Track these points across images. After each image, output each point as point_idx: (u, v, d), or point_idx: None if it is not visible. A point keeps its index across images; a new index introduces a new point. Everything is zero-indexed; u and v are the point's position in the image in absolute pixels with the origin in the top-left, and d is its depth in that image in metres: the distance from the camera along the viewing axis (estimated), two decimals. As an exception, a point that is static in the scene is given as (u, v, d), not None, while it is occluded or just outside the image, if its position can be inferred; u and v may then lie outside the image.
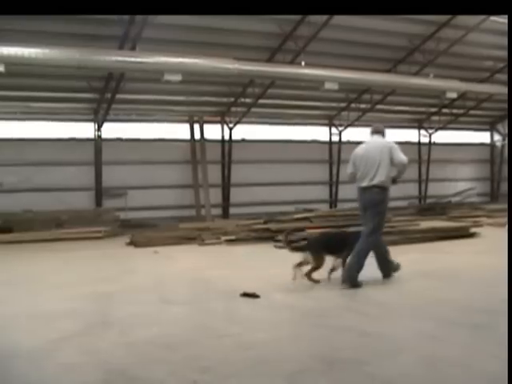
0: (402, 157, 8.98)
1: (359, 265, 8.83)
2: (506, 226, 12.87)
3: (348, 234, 9.72)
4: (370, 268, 9.10)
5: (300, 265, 9.01)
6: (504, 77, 23.33)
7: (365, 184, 9.06)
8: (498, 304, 7.57)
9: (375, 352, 5.64)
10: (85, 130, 20.31)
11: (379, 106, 23.63)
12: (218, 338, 6.21)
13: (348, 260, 8.95)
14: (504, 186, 28.21)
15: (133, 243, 14.75)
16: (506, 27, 19.48)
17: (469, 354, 5.51)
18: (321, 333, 6.37)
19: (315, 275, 8.98)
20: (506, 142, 29.19)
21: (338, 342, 5.99)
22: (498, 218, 19.34)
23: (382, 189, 8.98)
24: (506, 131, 29.16)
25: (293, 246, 9.78)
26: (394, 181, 9.16)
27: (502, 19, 18.90)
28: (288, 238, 10.19)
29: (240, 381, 4.99)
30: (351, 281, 8.73)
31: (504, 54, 21.89)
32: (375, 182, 8.93)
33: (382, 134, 9.46)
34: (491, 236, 15.44)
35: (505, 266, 10.47)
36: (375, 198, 8.99)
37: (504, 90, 22.52)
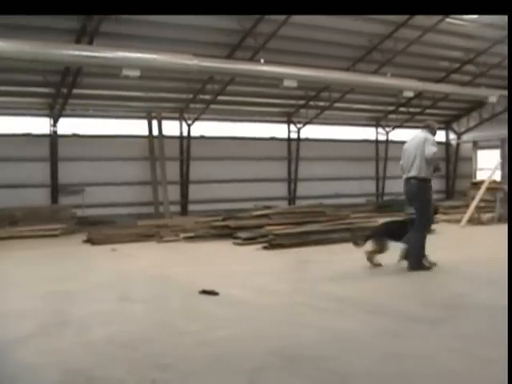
0: (428, 149, 9.45)
1: (416, 252, 9.58)
2: (506, 225, 13.11)
3: (408, 221, 10.15)
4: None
5: (373, 252, 9.94)
6: (459, 77, 23.73)
7: (405, 176, 9.83)
8: (457, 298, 7.70)
9: (335, 348, 5.65)
10: (40, 125, 19.90)
11: (338, 104, 23.78)
12: (178, 335, 6.16)
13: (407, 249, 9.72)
14: (459, 184, 28.61)
15: (90, 241, 14.56)
16: (461, 28, 19.90)
17: (429, 349, 5.55)
18: (281, 329, 6.36)
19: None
20: (461, 140, 29.68)
21: (299, 338, 5.99)
22: (454, 214, 19.64)
23: (418, 180, 9.56)
24: (461, 130, 29.63)
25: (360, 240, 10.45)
26: (435, 171, 9.75)
27: (458, 21, 19.19)
28: (356, 234, 10.92)
29: (200, 378, 4.95)
30: (413, 266, 9.53)
31: (458, 54, 22.32)
32: (412, 174, 9.61)
33: (429, 129, 10.01)
34: (447, 232, 15.69)
35: (461, 261, 10.71)
36: (413, 190, 9.66)
37: (459, 89, 22.91)
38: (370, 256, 9.93)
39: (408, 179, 9.72)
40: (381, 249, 9.93)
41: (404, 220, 10.32)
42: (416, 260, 9.59)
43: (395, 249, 9.88)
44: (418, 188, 9.61)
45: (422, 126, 10.32)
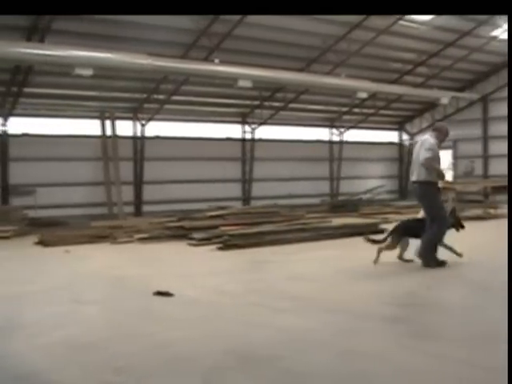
0: (421, 154, 9.57)
1: (428, 250, 9.67)
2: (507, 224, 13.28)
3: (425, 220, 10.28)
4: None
5: (385, 248, 10.12)
6: (412, 78, 24.10)
7: (410, 179, 10.06)
8: (413, 297, 7.78)
9: (291, 347, 5.64)
10: (-11, 124, 19.53)
11: (292, 105, 23.92)
12: (133, 337, 6.08)
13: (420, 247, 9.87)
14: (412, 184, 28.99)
15: (42, 243, 14.28)
16: (414, 31, 20.25)
17: (384, 347, 5.59)
18: (236, 329, 6.33)
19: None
20: (414, 141, 30.08)
21: (254, 338, 5.97)
22: (407, 214, 19.84)
23: (420, 184, 9.71)
24: (414, 131, 30.07)
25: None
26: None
27: (411, 23, 19.50)
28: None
29: (156, 380, 4.89)
30: (428, 263, 9.63)
31: (411, 56, 22.68)
32: (413, 177, 9.83)
33: (436, 131, 10.01)
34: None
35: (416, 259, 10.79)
36: (418, 192, 9.88)
37: (412, 91, 23.27)
38: (379, 251, 10.12)
39: (413, 183, 9.93)
40: (394, 246, 10.14)
41: (422, 218, 10.41)
42: (425, 259, 9.71)
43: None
44: (421, 191, 9.78)
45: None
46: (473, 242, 11.87)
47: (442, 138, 9.98)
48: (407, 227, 10.35)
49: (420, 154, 9.59)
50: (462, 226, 10.46)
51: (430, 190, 9.73)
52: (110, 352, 5.58)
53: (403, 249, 10.14)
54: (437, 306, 7.41)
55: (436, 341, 5.75)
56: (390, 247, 10.15)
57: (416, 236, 9.92)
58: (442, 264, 9.68)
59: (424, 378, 4.78)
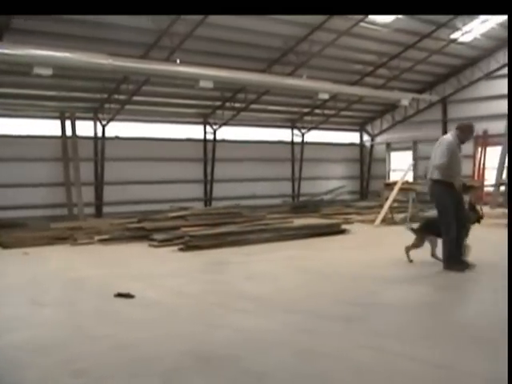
0: (438, 157, 9.53)
1: (445, 253, 9.52)
2: (506, 228, 13.35)
3: None
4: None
5: (412, 247, 10.22)
6: (372, 80, 24.33)
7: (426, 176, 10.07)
8: (368, 296, 7.88)
9: (250, 347, 5.68)
10: None
11: (254, 106, 23.94)
12: (92, 339, 6.05)
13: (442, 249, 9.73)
14: (373, 185, 29.30)
15: (0, 244, 14.08)
16: (375, 33, 20.45)
17: (343, 346, 5.66)
18: (196, 330, 6.34)
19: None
20: (375, 142, 30.41)
21: (214, 339, 6.00)
22: (368, 214, 20.10)
23: (434, 182, 9.66)
24: (375, 132, 30.36)
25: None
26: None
27: (371, 25, 19.70)
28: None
29: (115, 382, 4.89)
30: (446, 266, 9.49)
31: (372, 58, 22.91)
32: (429, 176, 9.80)
33: (460, 130, 9.87)
34: (361, 232, 16.08)
35: (374, 260, 10.96)
36: (431, 191, 9.83)
37: (372, 92, 23.50)
38: (407, 250, 10.21)
39: (429, 180, 9.89)
40: (419, 244, 10.18)
41: None
42: (446, 260, 9.55)
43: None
44: (435, 190, 9.71)
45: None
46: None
47: (463, 138, 9.78)
48: (428, 225, 10.42)
49: (436, 154, 9.54)
50: (482, 217, 10.39)
51: (442, 189, 9.58)
52: (69, 354, 5.55)
53: (433, 246, 10.07)
54: (393, 306, 7.50)
55: (395, 339, 5.84)
56: (416, 245, 10.21)
57: (437, 234, 9.85)
58: (463, 268, 9.44)
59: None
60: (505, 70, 24.51)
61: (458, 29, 21.57)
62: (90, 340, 6.03)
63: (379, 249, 12.91)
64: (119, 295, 7.95)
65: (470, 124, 10.04)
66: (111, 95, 20.66)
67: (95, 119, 21.72)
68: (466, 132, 9.81)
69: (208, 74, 17.56)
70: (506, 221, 14.52)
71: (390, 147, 30.34)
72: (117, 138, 22.10)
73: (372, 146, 30.76)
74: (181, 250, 12.82)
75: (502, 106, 23.45)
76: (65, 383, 4.82)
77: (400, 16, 19.32)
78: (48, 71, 14.71)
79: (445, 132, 27.57)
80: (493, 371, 4.84)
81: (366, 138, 31.08)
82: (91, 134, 21.78)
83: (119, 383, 4.87)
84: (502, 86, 23.88)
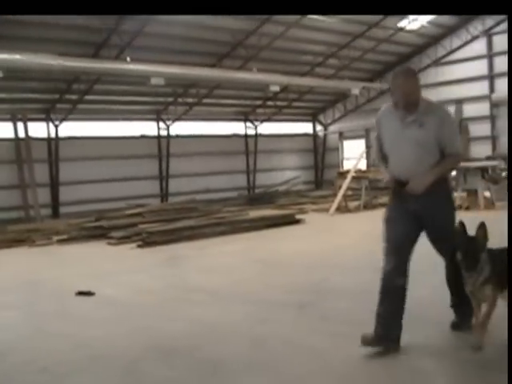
0: None
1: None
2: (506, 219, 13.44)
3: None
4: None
5: None
6: (323, 70, 24.64)
7: None
8: (320, 284, 8.17)
9: (208, 338, 5.92)
10: None
11: (206, 100, 24.06)
12: (53, 339, 6.19)
13: None
14: (327, 174, 29.65)
15: (-45, 249, 14.03)
16: (322, 24, 20.73)
17: (296, 332, 5.95)
18: (155, 324, 6.54)
19: None
20: (328, 131, 30.78)
21: (172, 332, 6.21)
22: (322, 204, 20.46)
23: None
24: (327, 122, 30.72)
25: None
26: None
27: (319, 16, 19.96)
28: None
29: (78, 379, 5.06)
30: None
31: (321, 48, 23.20)
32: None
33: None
34: (316, 221, 16.37)
35: (327, 248, 11.26)
36: None
37: (323, 82, 23.83)
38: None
39: None
40: None
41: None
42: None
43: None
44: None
45: None
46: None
47: (394, 100, 5.76)
48: None
49: None
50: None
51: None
52: (30, 355, 5.69)
53: None
54: (340, 292, 7.79)
55: (341, 323, 6.14)
56: None
57: None
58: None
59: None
60: (452, 57, 25.29)
61: (404, 17, 21.99)
62: (51, 339, 6.17)
63: (333, 237, 13.22)
64: (80, 293, 8.11)
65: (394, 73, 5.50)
66: (63, 95, 20.56)
67: (48, 120, 21.59)
68: (392, 90, 5.39)
69: (159, 71, 17.70)
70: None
71: (342, 136, 30.73)
72: (70, 137, 21.97)
73: (325, 135, 31.09)
74: (139, 246, 12.97)
75: (451, 92, 24.11)
76: (31, 380, 5.00)
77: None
78: (-3, 74, 14.70)
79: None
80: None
81: (318, 127, 31.38)
82: (44, 134, 21.65)
83: (81, 379, 5.04)
84: (450, 72, 24.61)
